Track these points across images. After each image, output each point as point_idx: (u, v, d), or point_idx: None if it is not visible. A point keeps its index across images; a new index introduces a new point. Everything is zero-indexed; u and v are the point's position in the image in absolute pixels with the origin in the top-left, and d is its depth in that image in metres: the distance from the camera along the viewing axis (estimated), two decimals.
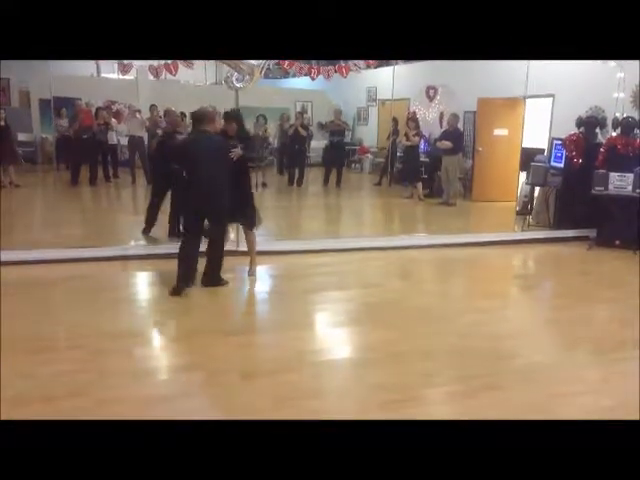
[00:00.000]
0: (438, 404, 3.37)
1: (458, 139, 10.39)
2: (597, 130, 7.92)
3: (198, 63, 13.51)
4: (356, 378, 3.66)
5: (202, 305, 4.89)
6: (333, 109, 13.22)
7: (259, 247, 5.67)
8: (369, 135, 15.56)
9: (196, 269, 5.13)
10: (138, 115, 11.85)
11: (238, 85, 6.09)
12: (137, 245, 6.72)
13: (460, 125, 10.89)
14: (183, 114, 9.32)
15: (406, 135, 11.03)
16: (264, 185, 11.81)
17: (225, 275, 5.27)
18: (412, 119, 11.21)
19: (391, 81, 11.58)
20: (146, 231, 7.01)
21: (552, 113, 9.53)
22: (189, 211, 5.16)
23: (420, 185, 10.87)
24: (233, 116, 5.35)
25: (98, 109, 12.19)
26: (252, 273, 5.54)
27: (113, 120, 12.32)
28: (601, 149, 7.44)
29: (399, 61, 11.90)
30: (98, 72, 16.43)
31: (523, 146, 9.06)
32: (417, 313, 4.79)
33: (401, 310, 4.85)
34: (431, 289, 5.78)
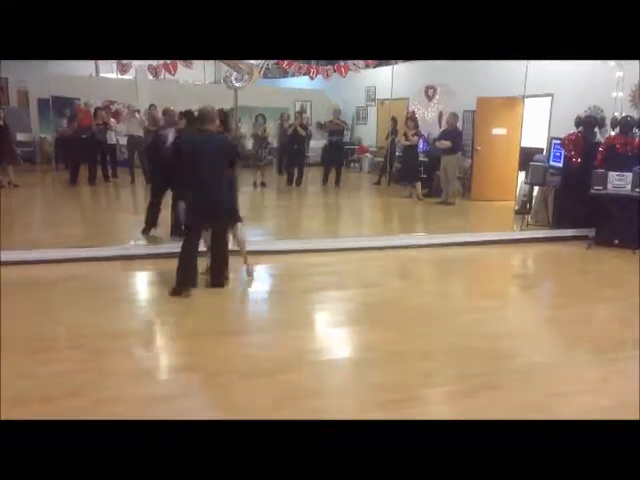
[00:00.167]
0: (437, 404, 3.37)
1: (457, 138, 10.40)
2: (596, 129, 7.93)
3: (197, 63, 13.55)
4: (355, 378, 3.66)
5: (202, 305, 4.88)
6: (332, 109, 13.23)
7: (259, 247, 5.67)
8: (368, 135, 15.57)
9: (197, 269, 5.13)
10: (137, 115, 11.85)
11: (237, 84, 6.11)
12: (137, 245, 6.71)
13: (459, 124, 10.89)
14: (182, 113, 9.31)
15: (405, 134, 11.04)
16: (263, 185, 11.82)
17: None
18: (411, 118, 11.22)
19: (390, 80, 11.61)
20: (146, 231, 7.00)
21: (551, 112, 9.54)
22: (192, 210, 5.14)
23: (419, 184, 10.87)
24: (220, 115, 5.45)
25: (97, 109, 12.20)
26: (250, 273, 5.53)
27: (112, 120, 12.32)
28: (600, 148, 7.45)
29: (398, 60, 11.90)
30: (97, 72, 16.43)
31: (522, 145, 9.08)
32: (416, 313, 4.79)
33: (400, 310, 4.85)
34: (430, 289, 5.78)
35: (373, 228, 9.02)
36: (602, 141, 7.65)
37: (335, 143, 12.50)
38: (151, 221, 7.00)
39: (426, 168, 11.45)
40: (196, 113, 5.32)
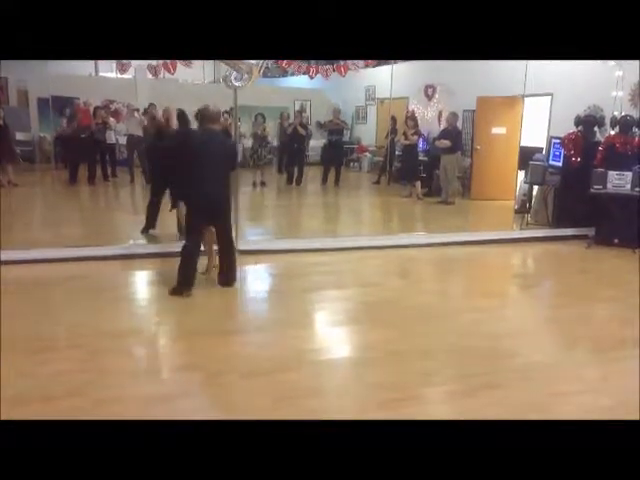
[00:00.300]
0: (437, 403, 3.37)
1: (457, 138, 10.40)
2: (595, 129, 7.92)
3: (197, 62, 13.51)
4: (355, 377, 3.66)
5: (201, 304, 4.88)
6: (332, 108, 13.22)
7: (259, 246, 5.67)
8: (368, 134, 15.56)
9: (197, 269, 5.13)
10: (136, 114, 11.84)
11: (237, 84, 6.09)
12: (137, 244, 6.71)
13: (459, 124, 10.89)
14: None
15: (405, 134, 11.03)
16: (263, 184, 11.82)
17: None
18: (411, 118, 11.21)
19: (390, 80, 11.60)
20: (145, 230, 7.01)
21: (551, 112, 9.53)
22: (193, 209, 5.13)
23: (419, 184, 10.87)
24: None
25: (96, 108, 12.18)
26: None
27: (111, 119, 12.31)
28: (599, 148, 7.45)
29: (398, 60, 11.90)
30: (96, 71, 16.41)
31: (522, 145, 9.07)
32: (416, 312, 4.79)
33: (400, 309, 4.85)
34: (430, 288, 5.78)
35: (373, 227, 9.01)
36: (602, 140, 7.65)
37: (335, 142, 12.49)
38: (151, 220, 7.01)
39: (426, 167, 11.45)
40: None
